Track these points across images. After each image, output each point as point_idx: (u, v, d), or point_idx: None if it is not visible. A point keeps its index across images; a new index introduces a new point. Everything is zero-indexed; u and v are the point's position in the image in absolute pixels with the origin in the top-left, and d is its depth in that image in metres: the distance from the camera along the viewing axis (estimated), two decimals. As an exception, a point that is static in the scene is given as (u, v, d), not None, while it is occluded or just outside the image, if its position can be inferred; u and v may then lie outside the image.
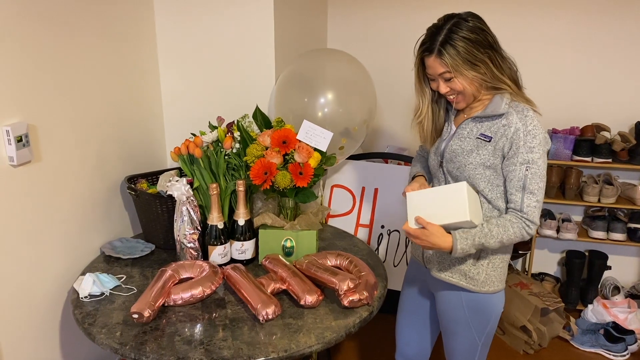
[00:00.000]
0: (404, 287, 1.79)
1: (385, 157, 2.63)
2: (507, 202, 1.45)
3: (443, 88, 1.44)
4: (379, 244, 2.49)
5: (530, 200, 1.38)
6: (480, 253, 1.51)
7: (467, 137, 1.47)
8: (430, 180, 1.70)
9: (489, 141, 1.42)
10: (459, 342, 1.60)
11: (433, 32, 1.41)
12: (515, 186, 1.39)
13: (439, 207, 1.42)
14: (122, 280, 1.67)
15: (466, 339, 1.58)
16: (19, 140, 1.47)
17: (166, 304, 1.51)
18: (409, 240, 2.38)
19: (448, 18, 1.41)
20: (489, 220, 1.42)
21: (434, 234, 1.41)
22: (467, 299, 1.54)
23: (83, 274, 1.68)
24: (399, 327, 1.81)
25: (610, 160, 2.62)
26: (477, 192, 1.47)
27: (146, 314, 1.40)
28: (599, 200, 2.67)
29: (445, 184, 1.54)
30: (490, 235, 1.40)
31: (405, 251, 2.43)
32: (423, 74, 1.50)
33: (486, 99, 1.46)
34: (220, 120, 1.90)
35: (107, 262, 1.80)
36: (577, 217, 2.93)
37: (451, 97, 1.46)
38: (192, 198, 1.70)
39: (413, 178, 1.70)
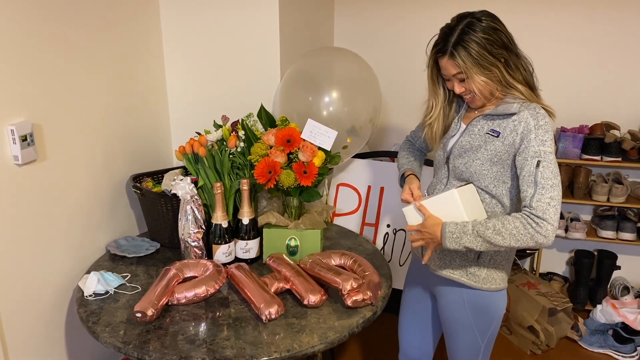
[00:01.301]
0: (406, 287, 1.79)
1: (392, 155, 2.62)
2: (516, 199, 1.44)
3: (458, 88, 1.44)
4: (384, 243, 2.48)
5: (542, 195, 1.30)
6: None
7: (478, 134, 1.45)
8: (421, 173, 1.72)
9: (497, 136, 1.41)
10: (461, 344, 1.59)
11: (446, 32, 1.39)
12: (526, 181, 1.34)
13: (438, 216, 1.45)
14: (126, 278, 1.67)
15: (468, 340, 1.56)
16: (24, 139, 1.48)
17: (170, 303, 1.51)
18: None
19: (461, 18, 1.39)
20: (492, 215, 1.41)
21: (435, 223, 1.42)
22: (468, 298, 1.52)
23: (88, 272, 1.68)
24: (401, 327, 1.80)
25: (619, 159, 2.59)
26: (479, 188, 1.46)
27: (149, 312, 1.40)
28: (608, 200, 2.63)
29: (447, 180, 1.54)
30: (485, 225, 1.35)
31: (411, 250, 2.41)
32: (437, 74, 1.49)
33: (499, 97, 1.44)
34: (224, 119, 1.90)
35: (112, 260, 1.81)
36: (586, 217, 2.90)
37: (467, 96, 1.45)
38: (196, 197, 1.70)
39: (402, 176, 1.70)
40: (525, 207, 1.34)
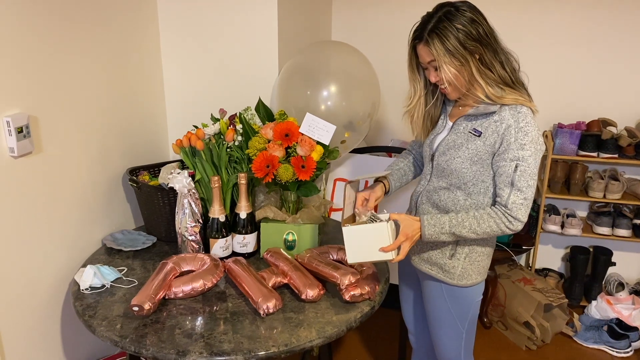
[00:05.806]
0: (400, 275, 1.83)
1: (389, 150, 2.61)
2: (493, 196, 1.46)
3: (433, 77, 1.44)
4: (381, 238, 2.47)
5: (517, 197, 1.36)
6: (457, 247, 1.51)
7: (462, 132, 1.47)
8: (394, 187, 1.69)
9: (479, 136, 1.42)
10: (444, 331, 1.63)
11: (425, 20, 1.40)
12: (503, 181, 1.38)
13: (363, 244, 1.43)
14: (123, 272, 1.67)
15: (450, 327, 1.60)
16: (20, 131, 1.46)
17: (167, 297, 1.51)
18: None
19: (441, 6, 1.39)
20: (468, 211, 1.43)
21: (411, 225, 1.42)
22: (447, 289, 1.56)
23: (84, 265, 1.67)
24: (403, 311, 1.87)
25: (616, 155, 2.59)
26: (456, 187, 1.49)
27: (146, 306, 1.39)
28: (604, 196, 2.64)
29: (430, 176, 1.56)
30: (462, 225, 1.40)
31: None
32: (417, 62, 1.49)
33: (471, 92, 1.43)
34: (222, 112, 1.89)
35: (108, 254, 1.80)
36: (582, 213, 2.91)
37: (442, 86, 1.45)
38: (193, 191, 1.70)
39: (376, 181, 1.68)
40: (500, 204, 1.39)
